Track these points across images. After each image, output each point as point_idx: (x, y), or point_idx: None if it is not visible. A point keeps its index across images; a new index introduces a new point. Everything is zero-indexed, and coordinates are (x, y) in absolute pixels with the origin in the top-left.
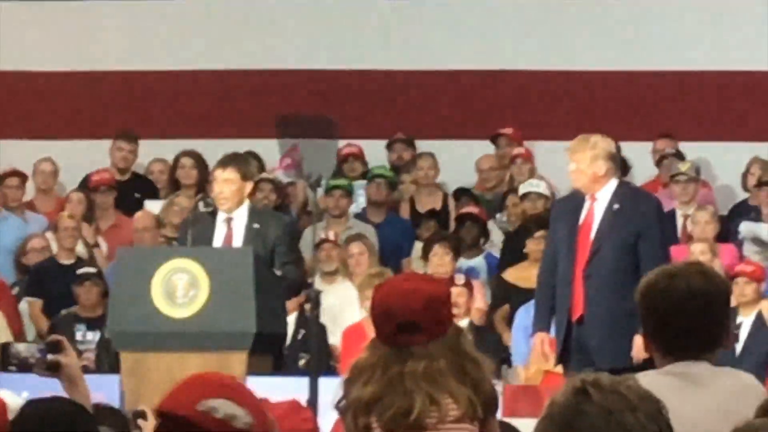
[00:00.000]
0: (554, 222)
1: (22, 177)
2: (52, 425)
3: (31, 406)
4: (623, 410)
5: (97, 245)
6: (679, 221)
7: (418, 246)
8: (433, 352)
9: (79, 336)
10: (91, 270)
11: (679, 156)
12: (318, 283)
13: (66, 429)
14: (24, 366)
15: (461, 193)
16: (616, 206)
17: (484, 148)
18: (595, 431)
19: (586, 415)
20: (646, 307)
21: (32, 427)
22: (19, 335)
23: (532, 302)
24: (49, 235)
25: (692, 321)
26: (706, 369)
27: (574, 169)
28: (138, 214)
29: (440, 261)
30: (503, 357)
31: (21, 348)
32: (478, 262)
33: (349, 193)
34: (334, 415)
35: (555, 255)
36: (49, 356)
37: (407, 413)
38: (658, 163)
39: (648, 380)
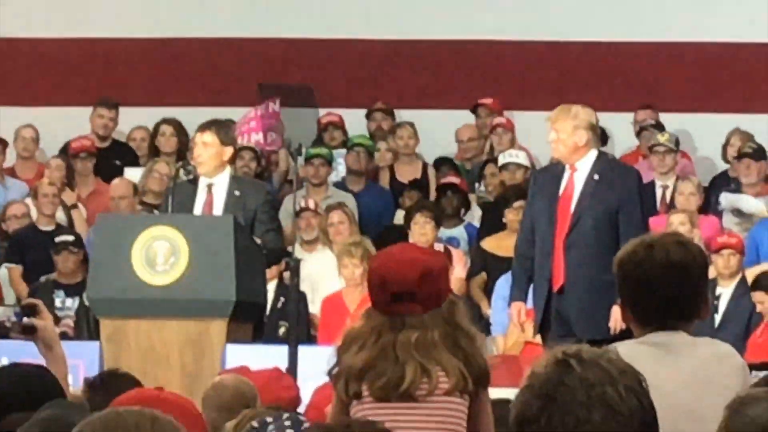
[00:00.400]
0: (533, 193)
1: (3, 143)
2: (14, 390)
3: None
4: (604, 383)
5: (76, 206)
6: (659, 192)
7: (399, 215)
8: (427, 322)
9: (58, 302)
10: (69, 238)
11: (659, 127)
12: (298, 251)
13: (30, 393)
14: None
15: (442, 163)
16: (596, 177)
17: (463, 118)
18: (577, 404)
19: (568, 387)
20: (623, 277)
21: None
22: None
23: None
24: (29, 201)
25: (670, 291)
26: (683, 339)
27: (555, 138)
28: (115, 182)
29: (422, 230)
30: (482, 326)
31: None
32: (459, 231)
33: (329, 161)
34: (314, 383)
35: (532, 226)
36: (25, 319)
37: (398, 383)
38: (638, 134)
39: (625, 350)
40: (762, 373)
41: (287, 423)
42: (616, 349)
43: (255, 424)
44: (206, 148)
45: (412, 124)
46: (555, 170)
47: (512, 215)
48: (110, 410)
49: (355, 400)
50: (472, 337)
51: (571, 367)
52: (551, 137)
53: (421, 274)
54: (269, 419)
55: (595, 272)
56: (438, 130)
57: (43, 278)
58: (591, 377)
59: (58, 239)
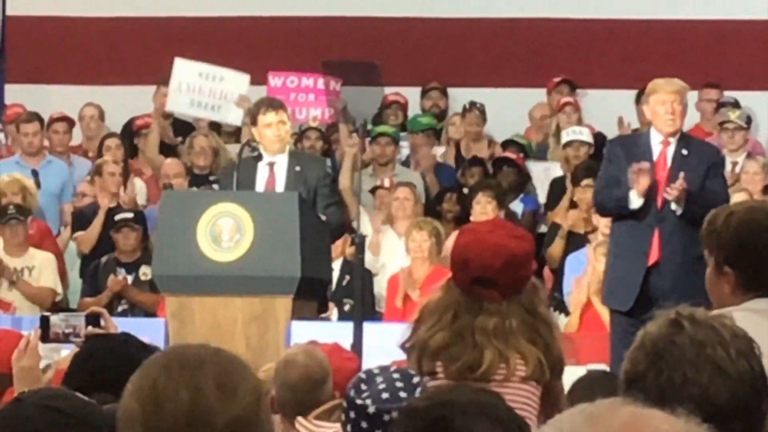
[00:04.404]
0: (616, 153)
1: (70, 122)
2: (114, 360)
3: (96, 340)
4: (714, 344)
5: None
6: (728, 168)
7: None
8: (506, 310)
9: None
10: (128, 215)
11: (735, 104)
12: (364, 227)
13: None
14: (64, 338)
15: (509, 144)
16: (684, 152)
17: (528, 96)
18: (685, 362)
19: (677, 345)
20: (738, 242)
21: (96, 361)
22: (63, 277)
23: (581, 250)
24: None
25: None
26: None
27: (675, 110)
28: (167, 161)
29: (483, 210)
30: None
31: (60, 320)
32: (516, 205)
33: (395, 140)
34: (379, 360)
35: (613, 181)
36: (89, 328)
37: (475, 367)
38: (716, 110)
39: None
40: None
41: (396, 376)
42: (731, 314)
43: (362, 375)
44: (284, 126)
45: (481, 109)
46: (639, 140)
47: (581, 194)
48: (174, 345)
49: (428, 376)
50: (550, 325)
51: (683, 327)
52: (669, 109)
53: (503, 262)
54: (376, 371)
55: (688, 245)
56: (505, 109)
57: (104, 258)
58: (701, 337)
59: (117, 217)
